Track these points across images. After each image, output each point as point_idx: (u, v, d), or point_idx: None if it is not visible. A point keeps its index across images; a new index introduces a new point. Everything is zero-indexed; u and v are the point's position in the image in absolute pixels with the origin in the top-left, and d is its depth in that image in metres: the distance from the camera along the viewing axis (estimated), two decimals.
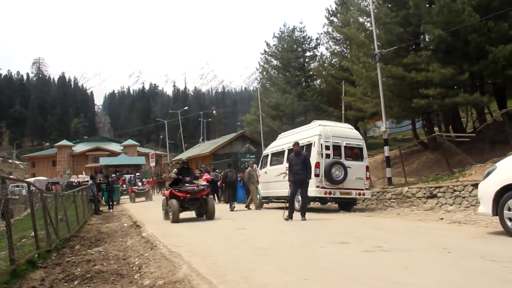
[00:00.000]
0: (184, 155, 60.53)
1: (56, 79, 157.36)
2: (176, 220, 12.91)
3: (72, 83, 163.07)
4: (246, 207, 18.41)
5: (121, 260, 7.84)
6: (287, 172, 12.61)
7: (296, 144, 12.77)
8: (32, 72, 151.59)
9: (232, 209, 17.29)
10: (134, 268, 6.94)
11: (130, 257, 8.02)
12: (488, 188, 7.60)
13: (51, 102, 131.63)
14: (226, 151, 49.48)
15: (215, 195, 24.33)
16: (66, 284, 6.12)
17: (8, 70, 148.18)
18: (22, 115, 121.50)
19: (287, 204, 12.56)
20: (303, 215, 11.99)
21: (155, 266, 6.60)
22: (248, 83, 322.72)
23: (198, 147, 64.14)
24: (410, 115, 25.93)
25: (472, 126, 28.65)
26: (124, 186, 33.88)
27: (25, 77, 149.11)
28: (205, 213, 13.96)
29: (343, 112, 30.81)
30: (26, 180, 8.95)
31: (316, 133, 15.03)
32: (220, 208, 17.20)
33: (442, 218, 11.07)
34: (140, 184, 24.53)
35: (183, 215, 13.80)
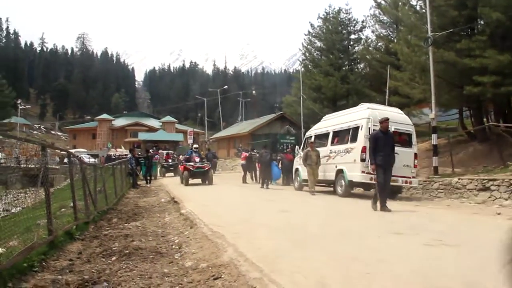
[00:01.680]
0: (222, 134, 60.56)
1: (99, 55, 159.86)
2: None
3: (114, 59, 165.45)
4: (311, 192, 16.04)
5: (159, 237, 7.51)
6: (370, 153, 10.70)
7: (385, 119, 10.78)
8: (76, 47, 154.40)
9: (264, 187, 19.23)
10: (173, 246, 6.59)
11: (169, 235, 7.68)
12: None
13: (94, 77, 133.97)
14: (265, 131, 48.97)
15: (253, 173, 24.07)
16: (104, 260, 5.80)
17: (54, 44, 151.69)
18: (65, 88, 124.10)
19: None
20: (383, 204, 10.17)
21: (196, 246, 6.22)
22: (288, 65, 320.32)
23: (236, 126, 63.89)
24: (459, 103, 24.78)
25: None
26: (169, 160, 34.19)
27: (69, 52, 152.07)
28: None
29: (387, 97, 29.83)
30: (66, 149, 8.72)
31: (365, 116, 14.37)
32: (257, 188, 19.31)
33: (499, 213, 10.31)
34: (197, 159, 20.57)
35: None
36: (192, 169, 20.45)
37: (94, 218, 9.49)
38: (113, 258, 5.83)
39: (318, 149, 16.80)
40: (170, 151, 39.10)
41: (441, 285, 3.93)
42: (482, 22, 21.43)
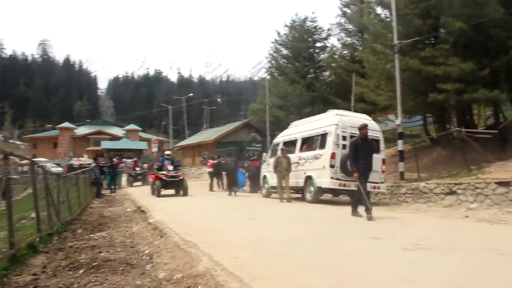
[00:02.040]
0: (187, 142, 60.02)
1: (61, 62, 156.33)
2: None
3: (77, 66, 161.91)
4: (280, 199, 15.84)
5: (128, 247, 7.20)
6: (351, 161, 10.64)
7: (364, 126, 10.56)
8: (37, 54, 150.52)
9: (230, 194, 19.55)
10: (144, 257, 6.30)
11: (139, 245, 7.38)
12: None
13: (55, 84, 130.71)
14: (231, 139, 48.67)
15: (220, 181, 23.94)
16: (71, 273, 5.47)
17: (13, 50, 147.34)
18: (25, 96, 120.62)
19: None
20: (355, 209, 10.19)
21: (168, 256, 5.98)
22: (253, 73, 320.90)
23: (201, 134, 63.31)
24: (424, 110, 25.21)
25: (484, 124, 28.00)
26: (137, 169, 31.78)
27: (30, 58, 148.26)
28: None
29: (352, 104, 30.07)
30: (29, 158, 8.34)
31: (333, 122, 14.38)
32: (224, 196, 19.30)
33: (467, 216, 10.44)
34: (170, 167, 18.43)
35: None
36: (165, 178, 18.29)
37: (58, 230, 9.09)
38: (81, 271, 5.52)
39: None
40: (136, 160, 37.24)
41: None
42: (445, 31, 21.88)
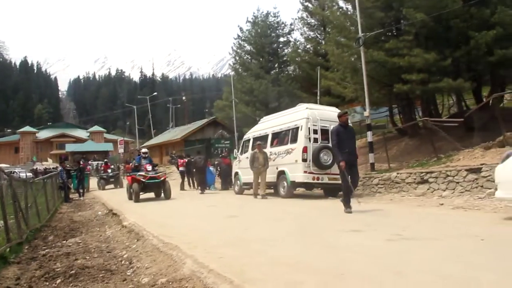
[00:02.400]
0: (154, 141, 59.33)
1: (17, 64, 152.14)
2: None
3: (35, 68, 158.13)
4: (255, 195, 15.55)
5: (105, 253, 6.97)
6: (336, 149, 9.87)
7: (344, 113, 10.41)
8: None
9: (203, 192, 19.51)
10: (123, 262, 6.11)
11: (115, 249, 7.16)
12: (510, 171, 7.03)
13: (13, 87, 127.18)
14: (198, 137, 48.45)
15: (191, 179, 23.75)
16: (47, 284, 5.23)
17: None
18: None
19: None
20: (347, 203, 9.54)
21: (148, 260, 5.79)
22: (216, 70, 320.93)
23: (168, 133, 62.77)
24: (389, 101, 25.58)
25: (448, 113, 28.61)
26: (109, 171, 30.20)
27: None
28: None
29: (318, 98, 30.23)
30: None
31: (304, 116, 14.36)
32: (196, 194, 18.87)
33: (442, 204, 10.58)
34: (149, 167, 16.56)
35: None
36: (143, 180, 16.07)
37: (27, 238, 8.74)
38: (58, 281, 5.28)
39: None
40: (107, 161, 35.57)
41: (420, 280, 3.79)
42: (407, 23, 22.19)
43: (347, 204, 9.47)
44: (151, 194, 17.37)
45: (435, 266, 4.25)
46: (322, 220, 8.53)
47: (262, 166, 15.24)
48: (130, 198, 16.56)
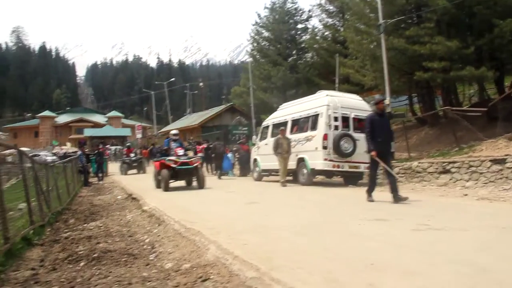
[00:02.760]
0: (171, 127, 59.42)
1: (36, 49, 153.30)
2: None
3: (54, 54, 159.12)
4: (282, 183, 14.68)
5: (127, 237, 6.96)
6: (368, 138, 9.24)
7: (381, 100, 9.97)
8: (11, 41, 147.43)
9: (219, 177, 19.96)
10: (145, 247, 6.07)
11: (137, 234, 7.14)
12: None
13: (32, 73, 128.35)
14: (215, 123, 48.47)
15: (210, 165, 23.80)
16: (71, 266, 5.22)
17: None
18: (1, 85, 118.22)
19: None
20: (397, 196, 8.88)
21: (171, 245, 5.75)
22: (232, 57, 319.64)
23: (185, 119, 62.88)
24: (409, 89, 25.28)
25: (469, 102, 28.13)
26: (132, 155, 27.56)
27: (4, 47, 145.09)
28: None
29: (336, 85, 29.93)
30: (16, 147, 7.97)
31: (324, 103, 14.18)
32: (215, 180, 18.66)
33: (466, 195, 10.39)
34: (180, 152, 14.50)
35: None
36: (174, 166, 13.88)
37: (49, 220, 8.80)
38: (82, 264, 5.27)
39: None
40: (130, 145, 32.43)
41: (457, 271, 3.68)
42: (429, 10, 21.82)
43: (369, 193, 9.28)
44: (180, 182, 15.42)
45: (468, 257, 4.13)
46: (344, 208, 8.41)
47: (285, 152, 14.74)
48: (158, 186, 14.59)
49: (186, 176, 14.92)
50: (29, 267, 5.22)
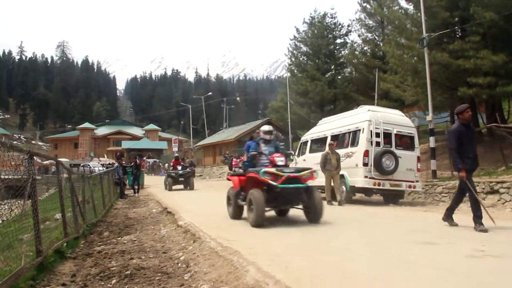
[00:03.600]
0: (207, 141, 59.67)
1: (79, 63, 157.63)
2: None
3: (95, 67, 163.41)
4: (328, 202, 13.18)
5: (160, 253, 6.71)
6: (455, 154, 7.80)
7: (467, 108, 7.98)
8: (56, 55, 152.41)
9: None
10: (180, 265, 5.78)
11: (171, 250, 6.89)
12: None
13: (74, 85, 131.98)
14: None
15: None
16: (103, 283, 4.99)
17: (33, 53, 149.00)
18: (45, 98, 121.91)
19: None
20: (479, 221, 7.57)
21: (207, 265, 5.45)
22: (269, 72, 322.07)
23: (221, 133, 62.96)
24: (452, 105, 24.43)
25: None
26: (179, 168, 23.58)
27: (49, 60, 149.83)
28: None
29: (376, 101, 29.38)
30: (54, 158, 7.93)
31: (366, 118, 13.76)
32: None
33: None
34: (280, 160, 8.84)
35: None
36: (275, 183, 8.12)
37: (84, 232, 8.67)
38: (113, 281, 5.04)
39: (315, 154, 16.16)
40: (177, 156, 27.18)
41: None
42: (474, 23, 21.19)
43: (478, 221, 7.56)
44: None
45: None
46: (389, 229, 7.90)
47: (335, 168, 13.56)
48: (236, 217, 9.62)
49: (294, 201, 8.84)
50: (60, 282, 5.03)
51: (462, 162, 7.65)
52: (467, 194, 7.99)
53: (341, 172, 14.05)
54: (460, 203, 8.44)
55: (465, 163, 7.65)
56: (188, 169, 24.25)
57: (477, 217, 7.57)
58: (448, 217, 8.24)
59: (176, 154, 28.03)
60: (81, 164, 41.59)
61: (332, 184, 13.65)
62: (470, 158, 7.75)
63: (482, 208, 7.70)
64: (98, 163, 43.19)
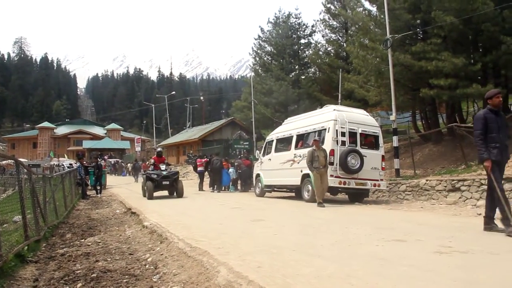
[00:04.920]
0: (171, 141, 59.17)
1: (38, 60, 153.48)
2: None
3: (55, 65, 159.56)
4: (318, 203, 12.50)
5: (127, 255, 6.52)
6: (479, 142, 6.88)
7: (497, 93, 7.16)
8: (13, 52, 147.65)
9: (218, 191, 20.71)
10: (147, 266, 5.62)
11: (138, 252, 6.71)
12: None
13: (33, 83, 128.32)
14: (215, 137, 48.21)
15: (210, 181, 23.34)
16: (67, 287, 4.83)
17: None
18: (2, 95, 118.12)
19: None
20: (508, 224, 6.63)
21: (176, 266, 5.32)
22: (233, 71, 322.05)
23: (185, 133, 62.53)
24: (415, 105, 24.95)
25: (472, 120, 27.79)
26: (163, 167, 18.06)
27: (6, 57, 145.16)
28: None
29: (339, 101, 29.68)
30: (13, 157, 7.63)
31: (331, 118, 13.82)
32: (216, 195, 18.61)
33: (480, 214, 9.95)
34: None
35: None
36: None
37: (45, 235, 8.37)
38: (79, 285, 4.84)
39: (281, 153, 16.17)
40: (161, 151, 20.40)
41: None
42: (436, 26, 21.63)
43: (506, 221, 6.64)
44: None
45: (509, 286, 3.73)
46: (357, 227, 7.91)
47: (323, 166, 12.77)
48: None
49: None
50: (21, 287, 4.79)
51: (488, 152, 6.78)
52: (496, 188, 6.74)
53: (307, 171, 14.07)
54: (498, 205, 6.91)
55: (490, 153, 6.78)
56: (173, 169, 19.86)
57: (505, 218, 6.65)
58: (506, 224, 6.70)
59: (159, 149, 20.78)
60: (55, 164, 40.76)
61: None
62: (497, 148, 6.79)
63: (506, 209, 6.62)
64: (60, 163, 42.36)
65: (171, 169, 19.84)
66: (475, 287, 3.75)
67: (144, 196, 17.18)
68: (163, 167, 17.88)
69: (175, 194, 17.74)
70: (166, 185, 17.50)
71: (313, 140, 13.59)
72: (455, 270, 4.33)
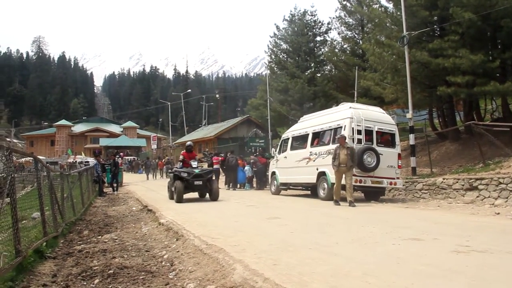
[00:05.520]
0: (186, 138, 59.33)
1: (56, 59, 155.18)
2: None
3: (72, 63, 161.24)
4: (335, 201, 12.39)
5: (143, 252, 6.58)
6: None
7: None
8: (32, 51, 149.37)
9: (233, 189, 20.71)
10: (163, 263, 5.67)
11: (154, 249, 6.76)
12: None
13: (51, 82, 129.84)
14: (231, 135, 48.25)
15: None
16: (85, 284, 4.85)
17: (8, 48, 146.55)
18: (21, 94, 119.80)
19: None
20: None
21: (191, 263, 5.35)
22: (248, 69, 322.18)
23: (201, 131, 62.65)
24: (431, 103, 24.66)
25: (490, 118, 27.45)
26: (194, 164, 15.21)
27: (24, 56, 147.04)
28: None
29: (355, 99, 29.48)
30: (32, 155, 7.75)
31: (347, 115, 13.73)
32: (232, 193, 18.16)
33: (498, 213, 9.85)
34: None
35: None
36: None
37: (63, 231, 8.47)
38: (96, 281, 4.90)
39: (296, 151, 16.12)
40: (190, 145, 16.73)
41: None
42: (453, 22, 21.38)
43: None
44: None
45: None
46: (373, 226, 7.87)
47: (344, 165, 12.31)
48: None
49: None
50: (40, 283, 4.86)
51: None
52: None
53: (322, 169, 14.02)
54: None
55: None
56: (208, 170, 16.72)
57: None
58: None
59: (189, 143, 17.08)
60: (78, 162, 41.10)
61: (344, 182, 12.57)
62: None
63: None
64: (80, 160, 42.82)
65: (202, 166, 17.50)
66: (493, 287, 3.70)
67: (171, 198, 14.84)
68: (194, 164, 14.97)
69: (207, 196, 15.05)
70: (198, 185, 14.62)
71: (339, 137, 12.98)
72: (472, 270, 4.29)
